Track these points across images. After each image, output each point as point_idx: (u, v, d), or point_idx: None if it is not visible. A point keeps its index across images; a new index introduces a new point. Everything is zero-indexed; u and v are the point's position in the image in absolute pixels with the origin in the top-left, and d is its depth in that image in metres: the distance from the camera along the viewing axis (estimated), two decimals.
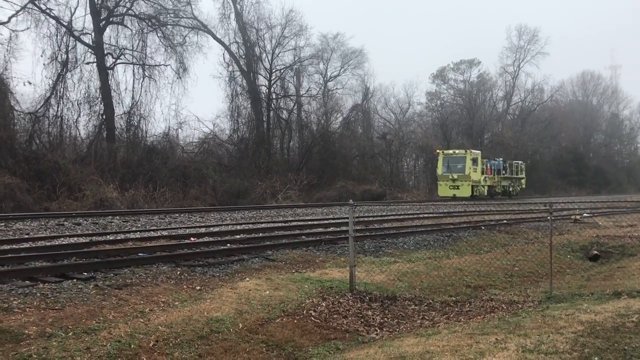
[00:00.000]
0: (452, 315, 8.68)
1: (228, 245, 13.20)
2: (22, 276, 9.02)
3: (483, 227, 18.68)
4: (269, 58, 42.57)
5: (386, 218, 20.82)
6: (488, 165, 42.22)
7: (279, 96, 43.43)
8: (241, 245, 13.18)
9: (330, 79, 49.88)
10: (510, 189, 45.69)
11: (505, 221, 20.47)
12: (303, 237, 15.08)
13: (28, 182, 23.83)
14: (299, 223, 18.99)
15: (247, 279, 9.93)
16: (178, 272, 10.05)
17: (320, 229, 17.24)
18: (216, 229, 16.44)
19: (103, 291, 8.51)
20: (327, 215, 23.05)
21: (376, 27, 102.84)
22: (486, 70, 66.36)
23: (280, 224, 18.54)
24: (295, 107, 44.56)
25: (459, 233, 17.29)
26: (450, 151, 41.49)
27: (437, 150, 42.73)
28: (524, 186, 48.44)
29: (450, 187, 39.48)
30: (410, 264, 12.42)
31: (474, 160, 39.87)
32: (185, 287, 9.22)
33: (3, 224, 16.24)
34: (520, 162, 48.68)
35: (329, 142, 42.83)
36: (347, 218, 22.15)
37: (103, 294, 8.36)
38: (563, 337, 6.27)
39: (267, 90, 42.52)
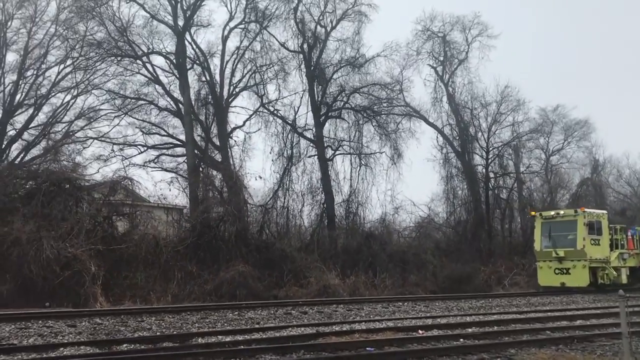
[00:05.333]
0: None
1: (461, 340, 11.84)
2: None
3: None
4: (485, 136, 41.02)
5: None
6: (629, 234, 27.75)
7: (497, 175, 41.33)
8: (476, 342, 11.69)
9: (553, 153, 46.28)
10: None
11: None
12: (547, 332, 13.06)
13: (259, 270, 25.13)
14: (537, 314, 16.75)
15: None
16: None
17: (564, 322, 14.90)
18: (444, 321, 15.11)
19: None
20: (567, 305, 20.21)
21: (601, 95, 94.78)
22: None
23: (514, 316, 16.52)
24: (516, 185, 41.89)
25: None
26: (552, 212, 27.54)
27: (531, 213, 29.00)
28: None
29: (556, 270, 25.74)
30: None
31: (593, 226, 25.61)
32: None
33: (237, 312, 16.91)
34: None
35: None
36: (595, 309, 19.07)
37: None
38: None
39: (483, 170, 40.79)
